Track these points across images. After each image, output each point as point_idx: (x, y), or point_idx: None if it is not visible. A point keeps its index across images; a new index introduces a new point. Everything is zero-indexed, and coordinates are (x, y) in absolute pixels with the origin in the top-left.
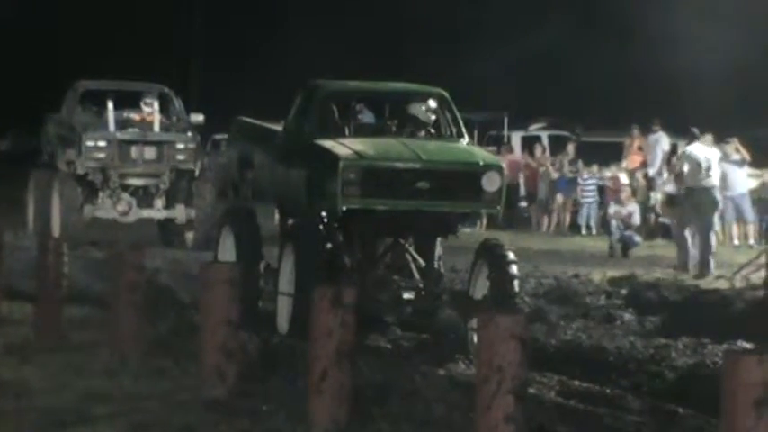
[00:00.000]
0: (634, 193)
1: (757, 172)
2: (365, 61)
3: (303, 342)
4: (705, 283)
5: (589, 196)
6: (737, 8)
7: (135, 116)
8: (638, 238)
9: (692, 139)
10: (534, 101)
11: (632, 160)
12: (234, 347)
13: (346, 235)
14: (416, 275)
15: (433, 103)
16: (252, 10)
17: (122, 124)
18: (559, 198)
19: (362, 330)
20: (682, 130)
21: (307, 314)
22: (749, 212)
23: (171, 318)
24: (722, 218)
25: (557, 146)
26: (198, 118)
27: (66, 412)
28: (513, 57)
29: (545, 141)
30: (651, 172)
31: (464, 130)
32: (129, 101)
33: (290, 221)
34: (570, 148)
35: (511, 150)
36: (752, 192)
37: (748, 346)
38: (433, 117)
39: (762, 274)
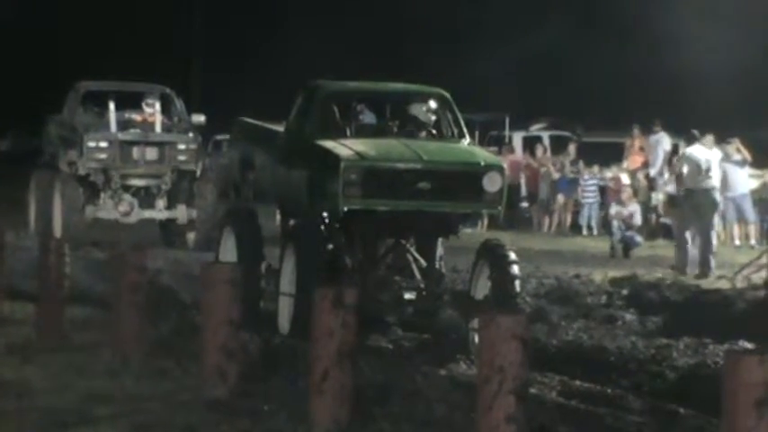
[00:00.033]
0: (635, 193)
1: (758, 172)
2: (365, 61)
3: (304, 342)
4: (706, 284)
5: (590, 196)
6: (738, 8)
7: (136, 117)
8: (639, 239)
9: (691, 140)
10: (535, 101)
11: (633, 160)
12: (235, 348)
13: (347, 235)
14: (417, 276)
15: (433, 104)
16: (252, 10)
17: (124, 125)
18: (560, 198)
19: (364, 331)
20: (683, 131)
21: (308, 314)
22: (750, 213)
23: (172, 318)
24: (723, 218)
25: (558, 146)
26: (199, 118)
27: (68, 413)
28: (514, 57)
29: (546, 142)
30: (652, 172)
31: (465, 130)
32: (130, 101)
33: (292, 222)
34: (571, 148)
35: (512, 150)
36: (753, 192)
37: (749, 346)
38: (434, 117)
39: (763, 274)
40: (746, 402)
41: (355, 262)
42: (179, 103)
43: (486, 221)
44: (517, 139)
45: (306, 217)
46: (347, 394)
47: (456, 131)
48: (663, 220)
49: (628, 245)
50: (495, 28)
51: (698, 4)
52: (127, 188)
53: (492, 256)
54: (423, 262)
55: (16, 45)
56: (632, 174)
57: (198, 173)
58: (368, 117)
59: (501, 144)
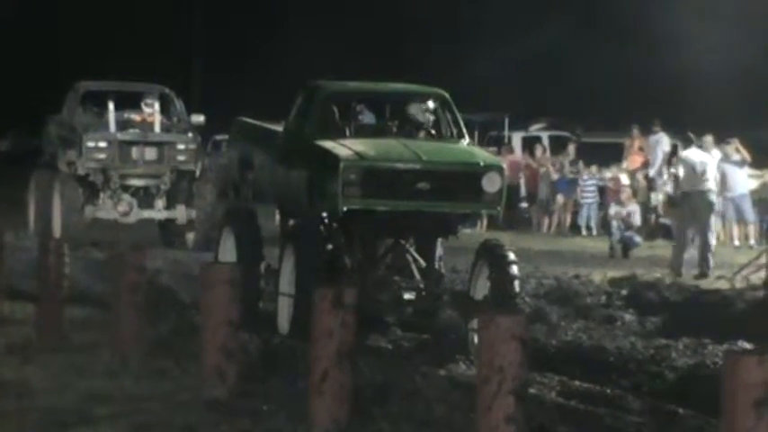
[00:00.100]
0: (635, 193)
1: (758, 172)
2: (365, 61)
3: (304, 342)
4: (705, 284)
5: (589, 197)
6: (738, 8)
7: (136, 117)
8: (638, 239)
9: (687, 143)
10: (535, 101)
11: (633, 161)
12: (234, 348)
13: (347, 235)
14: (417, 276)
15: (433, 104)
16: (252, 10)
17: (123, 125)
18: (560, 199)
19: (363, 331)
20: (682, 131)
21: (307, 315)
22: (750, 213)
23: (172, 318)
24: (723, 218)
25: (557, 146)
26: (198, 119)
27: (68, 413)
28: (514, 57)
29: (545, 142)
30: (652, 172)
31: (464, 130)
32: (129, 101)
33: (291, 222)
34: (571, 148)
35: (511, 151)
36: (752, 192)
37: (748, 346)
38: (434, 118)
39: (762, 274)
40: (745, 402)
41: (355, 262)
42: (178, 103)
43: (485, 222)
44: (516, 139)
45: (305, 217)
46: (346, 394)
47: (455, 132)
48: (662, 220)
49: (627, 245)
50: (495, 28)
51: (698, 4)
52: (126, 188)
53: (491, 256)
54: (422, 262)
55: (16, 45)
56: (631, 174)
57: (197, 173)
58: (367, 117)
59: (500, 144)
